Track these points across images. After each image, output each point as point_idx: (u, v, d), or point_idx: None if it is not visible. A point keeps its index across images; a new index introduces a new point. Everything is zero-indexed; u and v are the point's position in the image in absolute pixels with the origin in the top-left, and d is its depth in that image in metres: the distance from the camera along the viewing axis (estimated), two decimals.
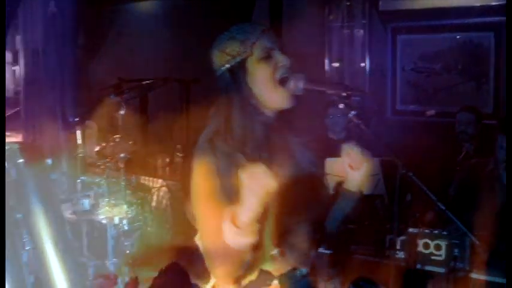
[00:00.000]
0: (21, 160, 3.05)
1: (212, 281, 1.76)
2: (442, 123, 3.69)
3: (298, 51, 1.90)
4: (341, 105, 1.74)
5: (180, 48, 4.49)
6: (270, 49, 1.71)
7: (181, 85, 4.03)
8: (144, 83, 3.39)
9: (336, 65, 4.36)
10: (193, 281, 2.48)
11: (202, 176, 1.66)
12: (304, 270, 1.71)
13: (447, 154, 3.59)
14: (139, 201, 3.31)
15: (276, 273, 1.65)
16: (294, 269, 1.72)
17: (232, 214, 1.49)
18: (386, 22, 4.25)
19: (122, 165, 3.20)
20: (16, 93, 3.82)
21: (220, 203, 1.61)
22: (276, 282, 1.64)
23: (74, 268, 2.95)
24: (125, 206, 3.23)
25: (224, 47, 1.73)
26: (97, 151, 3.38)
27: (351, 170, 1.74)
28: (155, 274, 3.03)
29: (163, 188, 3.38)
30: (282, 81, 1.70)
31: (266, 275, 1.62)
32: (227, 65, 1.72)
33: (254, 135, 1.69)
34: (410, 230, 2.82)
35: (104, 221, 3.20)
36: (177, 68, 4.23)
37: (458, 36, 3.90)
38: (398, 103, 4.36)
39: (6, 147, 3.21)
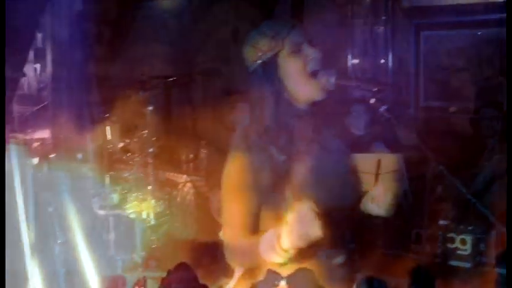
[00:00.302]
0: (52, 155, 3.13)
1: (235, 277, 1.80)
2: (465, 119, 3.68)
3: (320, 48, 1.92)
4: (372, 100, 1.77)
5: (202, 43, 4.53)
6: (300, 43, 1.75)
7: (203, 79, 4.08)
8: (170, 79, 3.43)
9: (357, 61, 4.36)
10: (202, 281, 2.51)
11: (235, 169, 1.70)
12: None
13: (471, 150, 3.59)
14: (166, 196, 3.38)
15: (283, 273, 1.67)
16: None
17: (278, 233, 1.51)
18: (409, 18, 4.24)
19: (150, 161, 3.28)
20: (39, 90, 3.88)
21: (251, 196, 1.64)
22: (283, 282, 1.66)
23: (103, 261, 3.02)
24: (152, 201, 3.28)
25: (256, 42, 1.77)
26: (122, 146, 3.45)
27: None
28: (163, 274, 3.08)
29: (188, 184, 3.44)
30: (313, 74, 1.73)
31: (274, 275, 1.64)
32: (259, 61, 1.76)
33: (287, 129, 1.73)
34: (440, 222, 2.83)
35: (132, 216, 3.27)
36: (200, 63, 4.27)
37: (479, 33, 3.88)
38: (422, 99, 4.35)
39: (35, 143, 3.28)
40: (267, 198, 1.62)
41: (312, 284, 1.62)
